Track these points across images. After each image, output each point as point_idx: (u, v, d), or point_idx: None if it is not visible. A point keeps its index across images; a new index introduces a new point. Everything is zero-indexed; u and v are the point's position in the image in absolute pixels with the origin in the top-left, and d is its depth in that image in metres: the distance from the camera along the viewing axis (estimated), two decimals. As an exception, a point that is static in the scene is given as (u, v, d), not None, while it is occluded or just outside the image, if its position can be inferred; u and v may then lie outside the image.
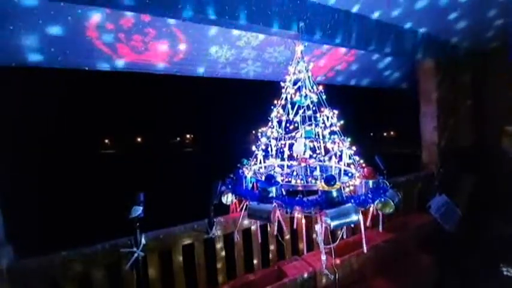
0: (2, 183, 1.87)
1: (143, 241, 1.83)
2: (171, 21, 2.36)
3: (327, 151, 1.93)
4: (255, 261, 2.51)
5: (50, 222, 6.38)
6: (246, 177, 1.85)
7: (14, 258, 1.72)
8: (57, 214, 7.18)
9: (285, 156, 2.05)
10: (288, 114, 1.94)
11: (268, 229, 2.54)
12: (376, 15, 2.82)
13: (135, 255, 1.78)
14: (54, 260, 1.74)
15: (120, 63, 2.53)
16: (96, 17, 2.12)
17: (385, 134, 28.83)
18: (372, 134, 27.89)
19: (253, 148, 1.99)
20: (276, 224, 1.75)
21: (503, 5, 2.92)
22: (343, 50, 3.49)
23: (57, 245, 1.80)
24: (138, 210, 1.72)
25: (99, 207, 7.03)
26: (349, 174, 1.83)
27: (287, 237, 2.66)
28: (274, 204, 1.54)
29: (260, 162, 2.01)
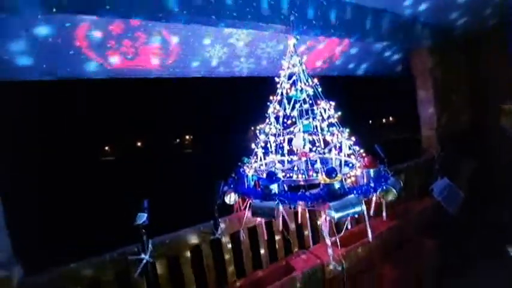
0: (6, 196, 1.86)
1: (150, 247, 1.84)
2: (160, 23, 2.34)
3: (326, 143, 1.94)
4: (262, 258, 2.54)
5: (56, 232, 6.41)
6: (247, 175, 1.85)
7: (24, 272, 1.73)
8: (62, 224, 7.21)
9: (285, 151, 2.05)
10: (285, 110, 1.94)
11: (273, 225, 2.55)
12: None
13: (144, 261, 1.79)
14: (64, 273, 1.75)
15: (112, 70, 2.51)
16: (84, 25, 2.09)
17: (383, 120, 28.79)
18: (370, 121, 27.84)
19: (253, 146, 1.99)
20: (281, 219, 1.77)
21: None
22: (337, 40, 3.47)
23: (63, 255, 1.81)
24: (142, 217, 1.72)
25: (104, 215, 7.06)
26: (350, 165, 1.83)
27: (293, 231, 2.68)
28: (277, 200, 1.55)
29: (260, 160, 2.01)
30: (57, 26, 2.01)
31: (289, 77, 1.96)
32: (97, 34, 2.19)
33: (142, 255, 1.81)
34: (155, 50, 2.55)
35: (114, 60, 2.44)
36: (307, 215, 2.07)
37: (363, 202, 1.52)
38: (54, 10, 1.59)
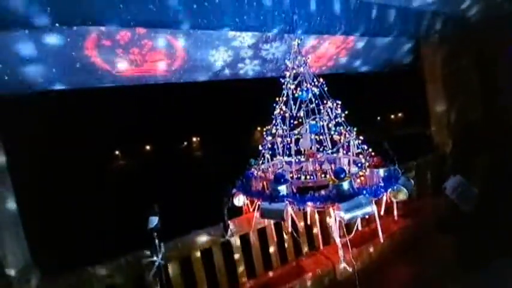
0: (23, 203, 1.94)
1: (163, 250, 1.88)
2: (165, 30, 2.37)
3: (334, 143, 1.92)
4: (272, 259, 2.54)
5: (71, 237, 6.58)
6: (255, 177, 1.86)
7: (41, 276, 1.79)
8: (77, 229, 7.40)
9: (292, 152, 2.04)
10: (291, 110, 1.93)
11: (282, 225, 2.55)
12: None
13: (156, 263, 1.83)
14: (81, 276, 1.81)
15: (121, 78, 2.57)
16: (92, 35, 2.15)
17: (392, 116, 28.21)
18: (379, 118, 27.33)
19: (260, 147, 1.99)
20: (290, 221, 1.76)
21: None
22: (341, 36, 3.42)
23: (79, 259, 1.87)
24: (154, 221, 1.76)
25: (117, 220, 7.20)
26: (359, 164, 1.81)
27: (302, 232, 2.66)
28: (286, 202, 1.55)
29: (268, 161, 2.01)
30: (67, 36, 2.07)
31: (295, 78, 1.96)
32: (106, 43, 2.24)
33: (155, 258, 1.85)
34: (161, 56, 2.59)
35: (123, 68, 2.49)
36: (316, 215, 2.06)
37: (373, 202, 1.50)
38: (62, 23, 1.64)
